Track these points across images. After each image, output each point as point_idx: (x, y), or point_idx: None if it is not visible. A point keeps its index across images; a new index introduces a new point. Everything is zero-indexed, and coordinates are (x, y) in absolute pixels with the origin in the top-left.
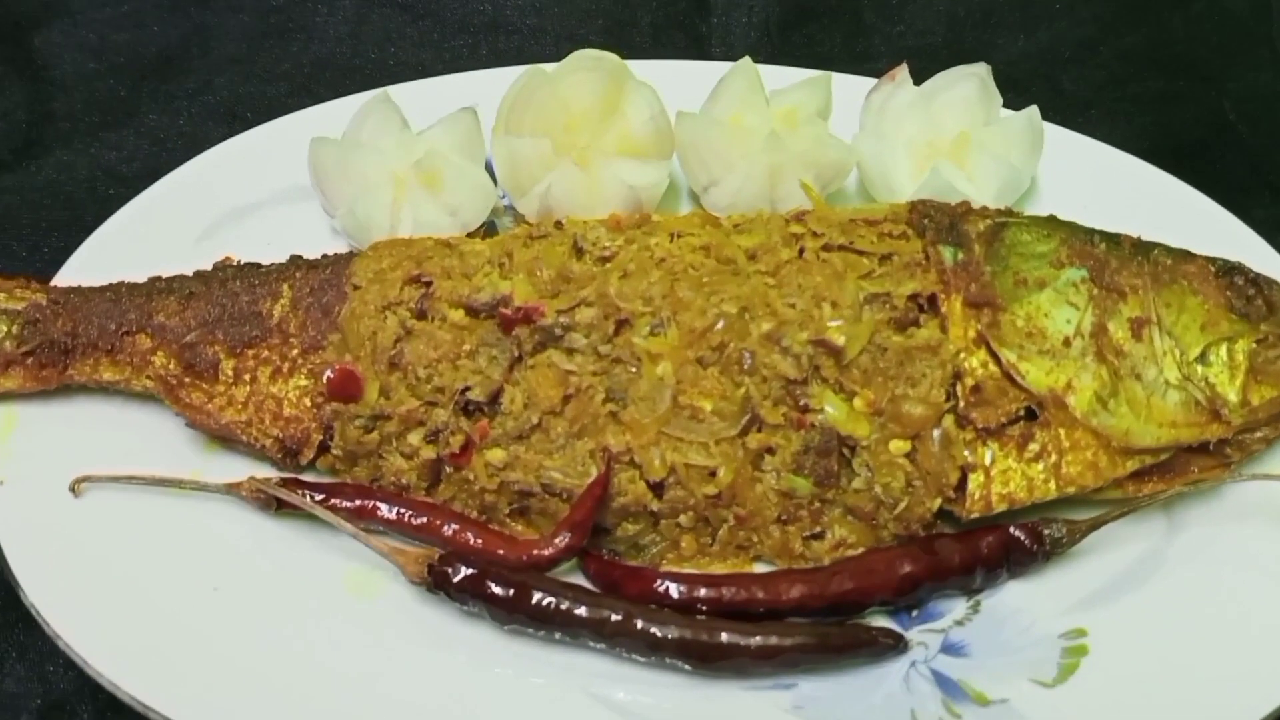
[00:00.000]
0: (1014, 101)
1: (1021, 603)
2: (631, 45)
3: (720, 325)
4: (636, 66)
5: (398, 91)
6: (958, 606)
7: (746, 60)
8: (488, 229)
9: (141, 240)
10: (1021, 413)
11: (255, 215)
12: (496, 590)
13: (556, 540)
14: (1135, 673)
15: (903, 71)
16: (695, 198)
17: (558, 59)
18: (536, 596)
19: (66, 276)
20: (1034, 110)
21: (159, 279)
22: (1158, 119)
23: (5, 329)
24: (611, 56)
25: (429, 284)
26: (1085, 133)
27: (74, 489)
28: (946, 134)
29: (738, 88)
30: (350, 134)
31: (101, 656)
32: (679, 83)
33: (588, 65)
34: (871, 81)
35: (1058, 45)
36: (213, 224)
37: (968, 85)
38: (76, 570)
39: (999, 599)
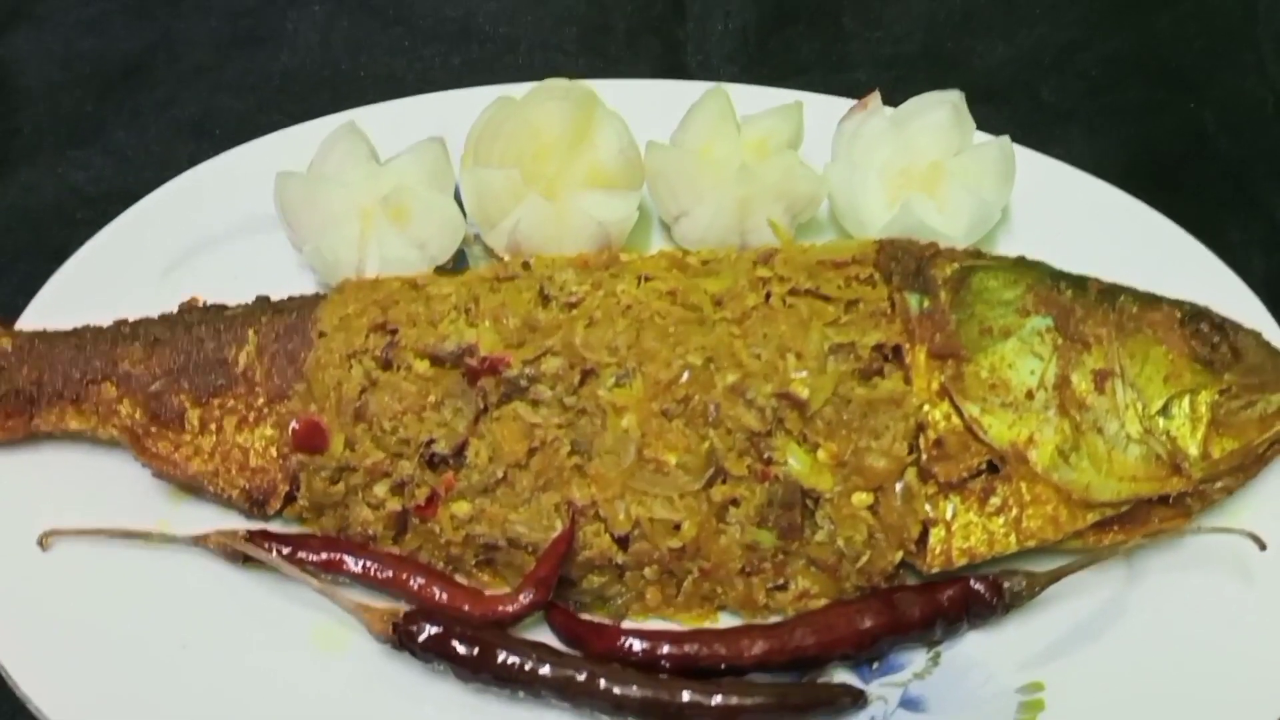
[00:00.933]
0: (992, 115)
1: (980, 655)
2: (606, 53)
3: (685, 377)
4: (608, 85)
5: (365, 115)
6: (918, 658)
7: (718, 87)
8: (456, 260)
9: (107, 275)
10: (983, 466)
11: (221, 247)
12: (461, 650)
13: (521, 597)
14: None
15: (875, 100)
16: (666, 227)
17: (531, 67)
18: (501, 656)
19: (32, 315)
20: (1006, 140)
21: (124, 323)
22: (1138, 131)
23: None
24: (581, 85)
25: (394, 331)
26: (1064, 145)
27: (42, 543)
28: (919, 162)
29: (708, 116)
30: (316, 166)
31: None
32: (651, 103)
33: (557, 95)
34: (847, 102)
35: (1039, 50)
36: (179, 256)
37: (940, 112)
38: (45, 627)
39: (958, 650)
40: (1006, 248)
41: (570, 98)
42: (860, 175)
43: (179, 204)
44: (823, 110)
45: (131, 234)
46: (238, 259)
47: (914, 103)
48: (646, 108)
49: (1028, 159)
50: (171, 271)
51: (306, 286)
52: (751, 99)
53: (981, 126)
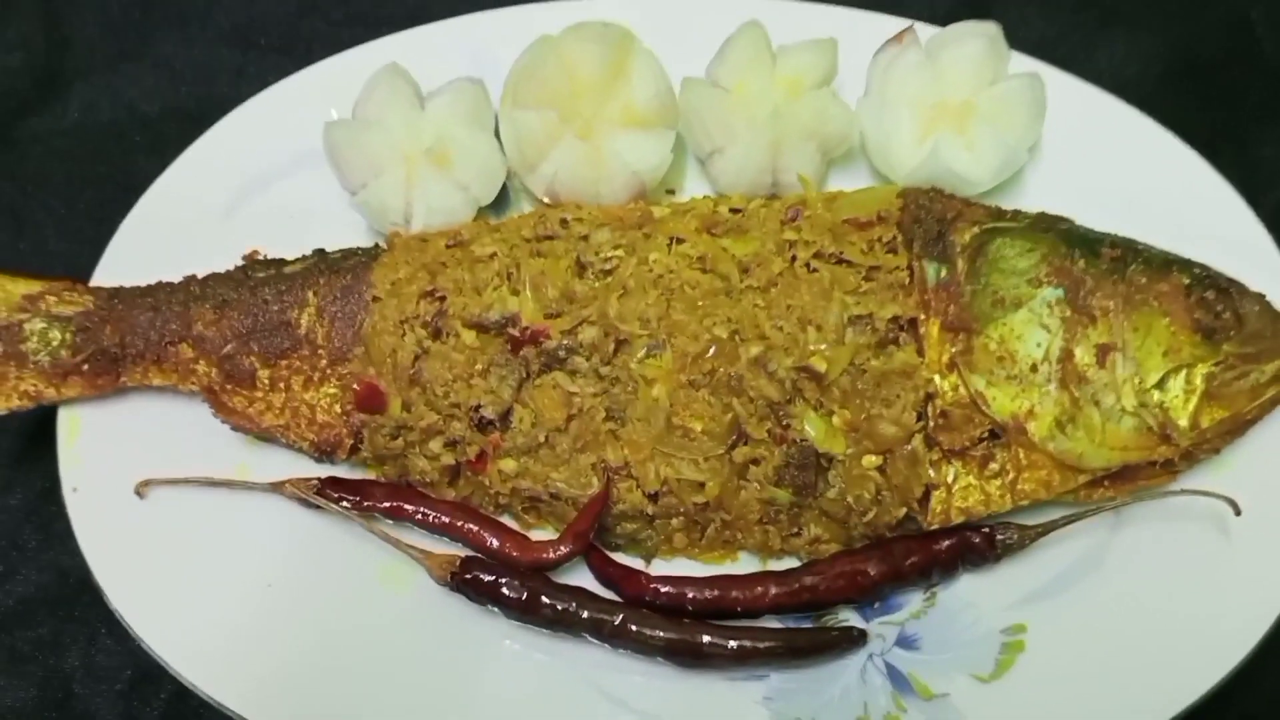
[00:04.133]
0: (1034, 15)
1: (972, 597)
2: None
3: (712, 351)
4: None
5: (402, 41)
6: (915, 599)
7: (753, 22)
8: (500, 198)
9: (169, 225)
10: (985, 435)
11: (276, 186)
12: (510, 595)
13: (562, 547)
14: (1065, 670)
15: (911, 35)
16: (700, 162)
17: None
18: (545, 601)
19: (104, 269)
20: (1038, 77)
21: (194, 281)
22: (1182, 31)
23: (60, 337)
24: (617, 25)
25: (443, 299)
26: (1106, 47)
27: (139, 492)
28: (951, 98)
29: (743, 51)
30: (360, 108)
31: (175, 653)
32: (687, 31)
33: (594, 36)
34: (885, 19)
35: None
36: (235, 199)
37: (975, 44)
38: (146, 570)
39: (952, 592)
40: (1033, 179)
41: (607, 39)
42: (891, 114)
43: (232, 143)
44: (864, 30)
45: (188, 180)
46: (293, 198)
47: (950, 31)
48: (682, 36)
49: (1060, 84)
50: (229, 217)
51: (358, 224)
52: (784, 28)
53: (1025, 27)
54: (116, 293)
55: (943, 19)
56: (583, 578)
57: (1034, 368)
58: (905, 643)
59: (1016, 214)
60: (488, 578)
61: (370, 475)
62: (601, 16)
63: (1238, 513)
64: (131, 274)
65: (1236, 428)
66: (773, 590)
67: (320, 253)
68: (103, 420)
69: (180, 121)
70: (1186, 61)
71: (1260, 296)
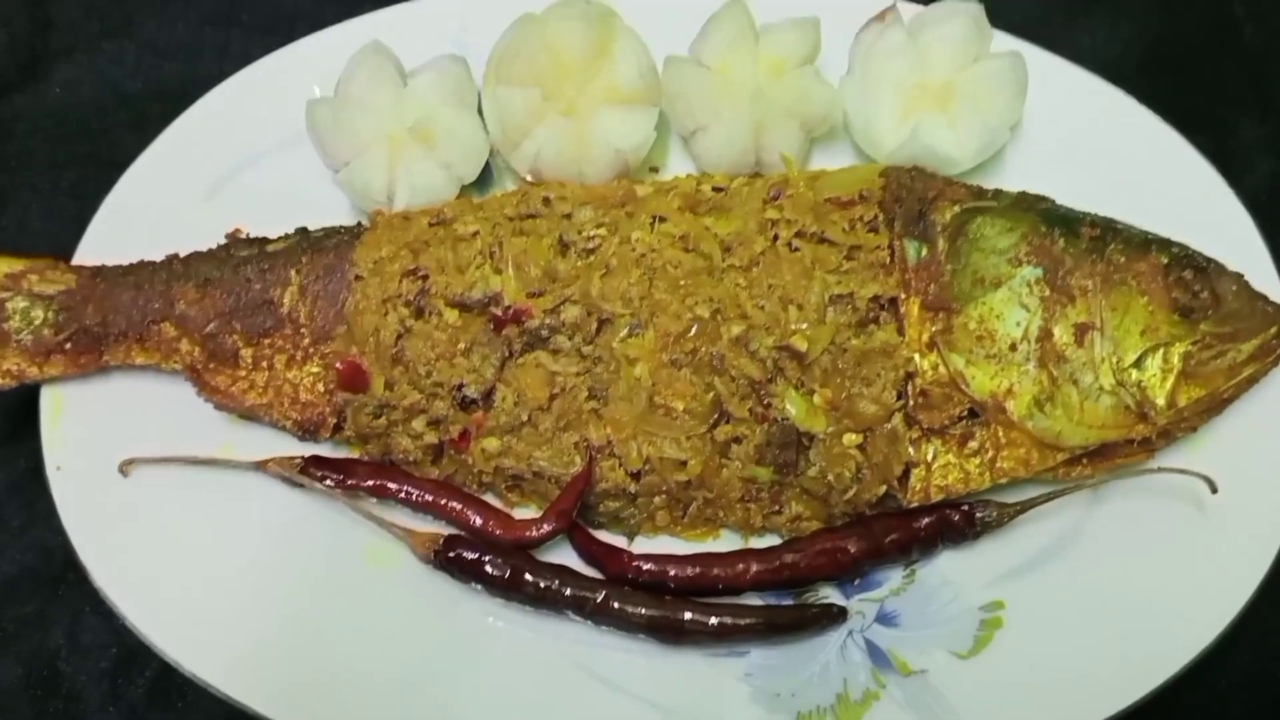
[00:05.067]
0: None
1: (951, 573)
2: None
3: (693, 330)
4: None
5: (385, 19)
6: (895, 575)
7: (736, 0)
8: (483, 175)
9: (152, 203)
10: (964, 413)
11: (259, 165)
12: (493, 572)
13: (544, 525)
14: (1042, 647)
15: (893, 13)
16: (683, 140)
17: None
18: (528, 579)
19: (86, 247)
20: (1019, 57)
21: (176, 259)
22: (1163, 15)
23: (42, 316)
24: (600, 3)
25: (425, 277)
26: (1087, 30)
27: (123, 470)
28: (933, 77)
29: (727, 30)
30: (342, 87)
31: (159, 631)
32: (671, 9)
33: (577, 14)
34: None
35: None
36: (218, 177)
37: (957, 24)
38: (130, 549)
39: (931, 568)
40: (1014, 158)
41: (590, 17)
42: (874, 93)
43: (215, 122)
44: (847, 7)
45: (171, 158)
46: (275, 177)
47: (933, 10)
48: (667, 7)
49: (1042, 63)
50: (214, 193)
51: (341, 203)
52: (769, 8)
53: (1007, 6)
54: (99, 271)
55: None
56: (566, 555)
57: (1013, 347)
58: (885, 619)
59: (997, 193)
60: (471, 555)
61: (353, 454)
62: None
63: (1214, 490)
64: (114, 253)
65: (1213, 406)
66: (754, 567)
67: (303, 231)
68: (86, 399)
69: (163, 100)
70: (1168, 43)
71: (1238, 276)
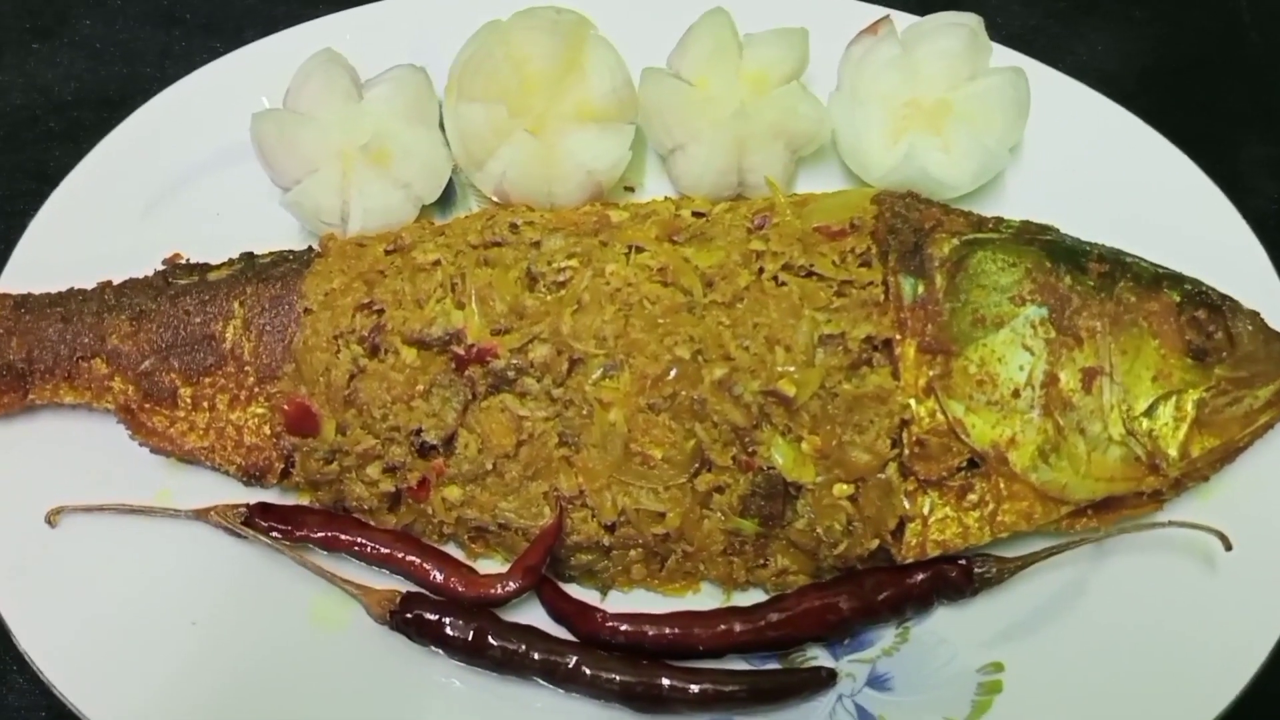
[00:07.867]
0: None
1: (946, 632)
2: None
3: (673, 373)
4: None
5: (339, 22)
6: (887, 634)
7: (718, 9)
8: (445, 194)
9: (87, 219)
10: (963, 464)
11: (201, 179)
12: (455, 635)
13: (510, 583)
14: (1044, 713)
15: (886, 25)
16: (661, 158)
17: None
18: (493, 642)
19: (12, 272)
20: (1021, 73)
21: (108, 288)
22: (1168, 25)
23: None
24: (571, 12)
25: (381, 311)
26: (1089, 41)
27: (50, 520)
28: (926, 95)
29: (707, 42)
30: (292, 98)
31: (89, 700)
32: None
33: (545, 24)
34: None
35: None
36: (157, 193)
37: (953, 38)
38: (58, 607)
39: (926, 627)
40: (1015, 180)
41: (559, 29)
42: (864, 111)
43: (154, 133)
44: (837, 18)
45: (108, 171)
46: (218, 193)
47: (929, 22)
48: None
49: (1044, 80)
50: (150, 213)
51: (290, 224)
52: (752, 17)
53: (1008, 20)
54: (23, 301)
55: (921, 7)
56: (534, 613)
57: (1016, 393)
58: (876, 683)
59: (999, 223)
60: (431, 616)
61: (303, 501)
62: (554, 1)
63: (1228, 547)
64: (42, 278)
65: (1227, 455)
66: (737, 628)
67: (248, 257)
68: (9, 441)
69: (98, 107)
70: (1172, 57)
71: (1254, 314)
